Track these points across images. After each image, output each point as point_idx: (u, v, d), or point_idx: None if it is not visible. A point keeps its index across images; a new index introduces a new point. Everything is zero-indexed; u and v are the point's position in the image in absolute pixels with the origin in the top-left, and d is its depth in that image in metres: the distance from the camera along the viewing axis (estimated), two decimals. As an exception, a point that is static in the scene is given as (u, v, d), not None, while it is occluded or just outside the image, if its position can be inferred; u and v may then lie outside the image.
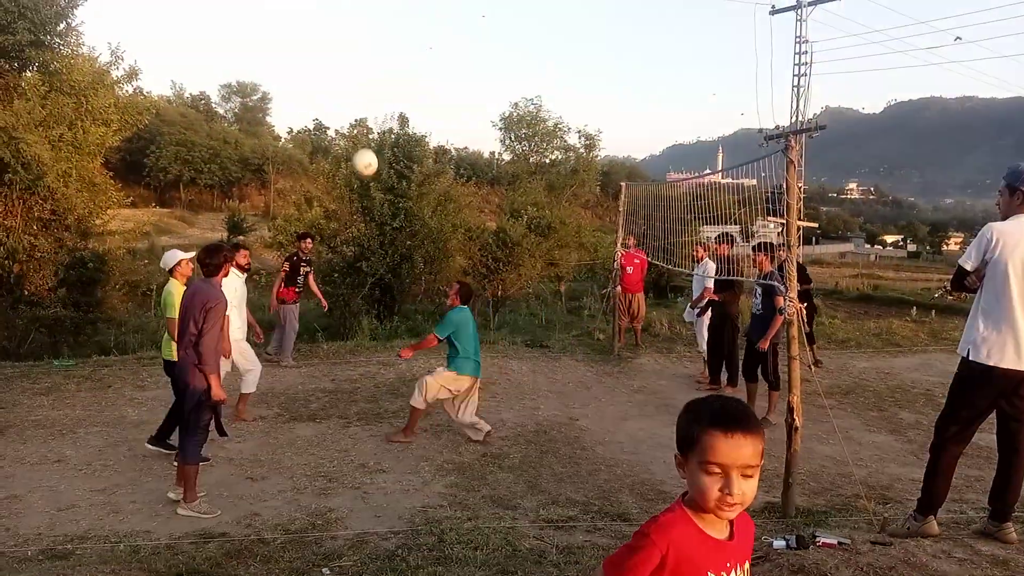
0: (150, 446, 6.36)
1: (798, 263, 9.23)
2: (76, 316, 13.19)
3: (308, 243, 10.63)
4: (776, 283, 7.29)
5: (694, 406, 1.72)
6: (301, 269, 10.14)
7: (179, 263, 6.28)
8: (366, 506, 5.37)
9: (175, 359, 5.65)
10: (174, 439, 5.95)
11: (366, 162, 9.03)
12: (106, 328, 13.81)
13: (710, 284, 9.55)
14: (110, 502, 5.36)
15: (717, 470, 1.63)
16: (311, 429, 7.26)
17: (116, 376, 9.26)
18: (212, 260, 5.31)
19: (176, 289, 6.15)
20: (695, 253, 10.15)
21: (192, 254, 6.18)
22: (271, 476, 5.95)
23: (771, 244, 7.68)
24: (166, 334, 6.35)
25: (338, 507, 5.31)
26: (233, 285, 7.19)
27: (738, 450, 1.62)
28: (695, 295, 10.13)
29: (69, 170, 13.08)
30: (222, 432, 5.44)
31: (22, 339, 12.37)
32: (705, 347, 9.84)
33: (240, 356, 7.38)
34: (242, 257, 7.93)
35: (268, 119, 78.71)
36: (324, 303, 11.05)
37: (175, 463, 5.54)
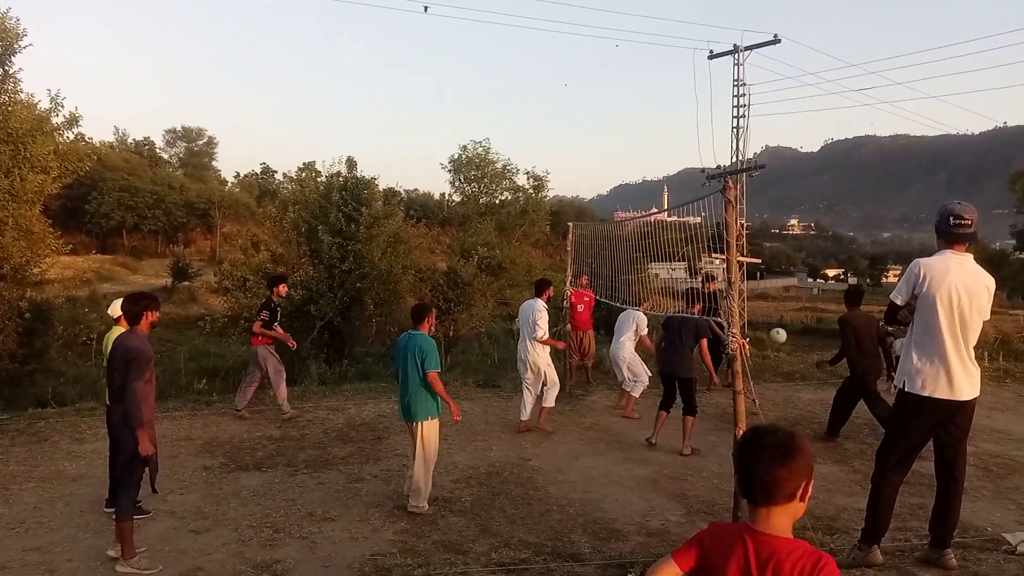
0: (109, 510, 6.05)
1: (715, 294, 9.51)
2: (12, 368, 12.75)
3: (284, 288, 10.01)
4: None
5: (809, 447, 2.03)
6: (278, 314, 9.71)
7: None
8: (314, 556, 5.25)
9: None
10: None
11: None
12: (43, 379, 13.37)
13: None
14: (45, 561, 5.15)
15: None
16: (257, 478, 7.09)
17: (53, 429, 8.95)
18: (133, 308, 5.23)
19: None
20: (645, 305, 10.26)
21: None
22: (215, 528, 5.79)
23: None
24: None
25: (285, 558, 5.18)
26: (540, 311, 8.85)
27: None
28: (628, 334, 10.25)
29: (5, 218, 12.75)
30: (153, 488, 5.27)
31: (-47, 393, 11.90)
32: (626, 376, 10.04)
33: (549, 373, 8.88)
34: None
35: (214, 164, 78.01)
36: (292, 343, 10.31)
37: (114, 518, 5.36)
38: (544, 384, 9.01)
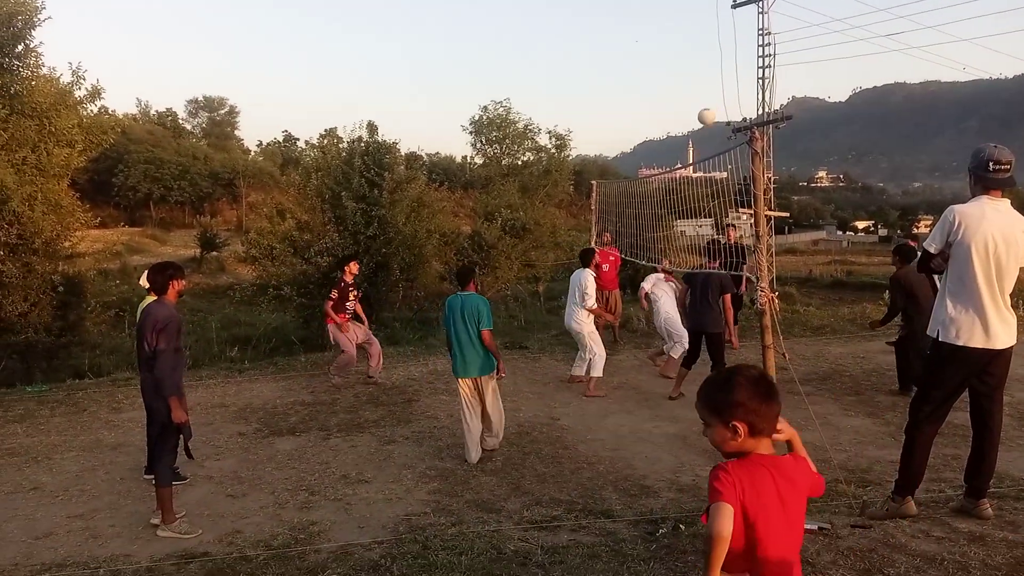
0: (148, 477, 6.23)
1: (738, 246, 9.41)
2: (48, 340, 13.00)
3: (355, 266, 9.84)
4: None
5: None
6: (350, 295, 9.58)
7: None
8: (349, 517, 5.34)
9: None
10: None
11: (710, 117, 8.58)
12: (80, 351, 13.63)
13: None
14: (89, 527, 5.29)
15: None
16: (291, 443, 7.21)
17: (91, 399, 9.15)
18: (158, 278, 5.29)
19: None
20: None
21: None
22: (252, 492, 5.90)
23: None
24: None
25: (321, 520, 5.27)
26: (587, 280, 8.86)
27: None
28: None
29: (34, 193, 12.91)
30: (189, 455, 5.36)
31: (-7, 367, 12.18)
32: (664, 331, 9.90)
33: (592, 343, 8.78)
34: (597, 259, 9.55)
35: (237, 133, 78.25)
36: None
37: (153, 484, 5.47)
38: (590, 352, 8.93)
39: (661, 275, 10.06)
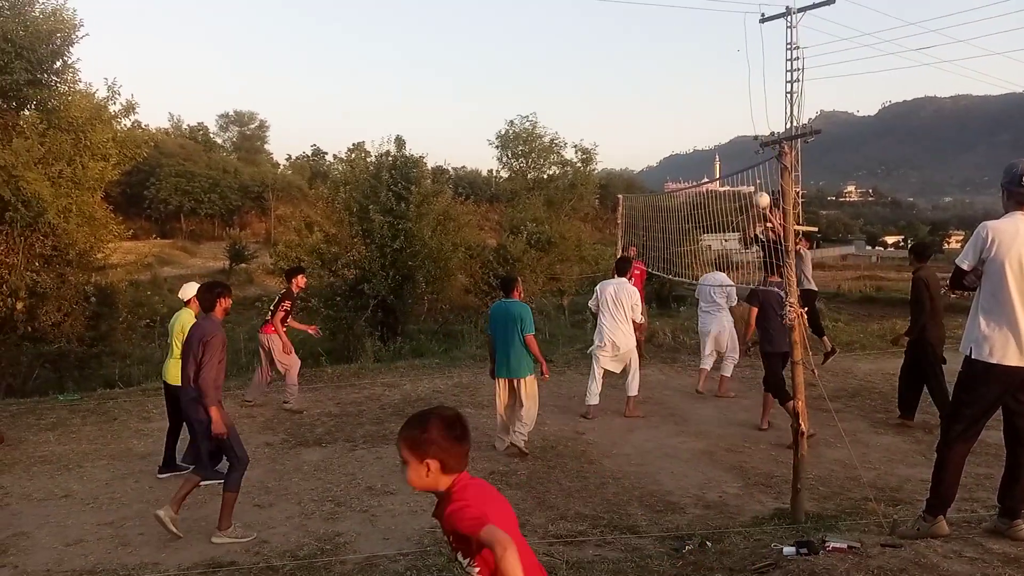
0: (161, 476, 6.58)
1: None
2: (80, 350, 13.23)
3: (303, 279, 9.48)
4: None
5: None
6: (293, 309, 9.30)
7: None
8: (374, 529, 5.36)
9: (172, 382, 6.35)
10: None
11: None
12: (111, 361, 13.84)
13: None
14: (118, 535, 5.36)
15: None
16: (317, 454, 7.25)
17: (121, 409, 9.27)
18: (207, 295, 5.53)
19: (188, 318, 6.51)
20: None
21: None
22: (278, 502, 5.94)
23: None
24: (169, 358, 6.78)
25: (346, 531, 5.29)
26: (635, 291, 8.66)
27: None
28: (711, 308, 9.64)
29: (69, 206, 13.17)
30: (183, 463, 5.57)
31: (27, 375, 12.40)
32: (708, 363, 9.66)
33: (634, 359, 8.62)
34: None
35: (266, 147, 79.13)
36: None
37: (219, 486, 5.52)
38: (631, 371, 8.59)
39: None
